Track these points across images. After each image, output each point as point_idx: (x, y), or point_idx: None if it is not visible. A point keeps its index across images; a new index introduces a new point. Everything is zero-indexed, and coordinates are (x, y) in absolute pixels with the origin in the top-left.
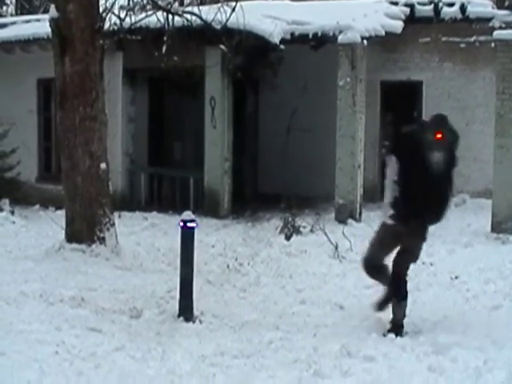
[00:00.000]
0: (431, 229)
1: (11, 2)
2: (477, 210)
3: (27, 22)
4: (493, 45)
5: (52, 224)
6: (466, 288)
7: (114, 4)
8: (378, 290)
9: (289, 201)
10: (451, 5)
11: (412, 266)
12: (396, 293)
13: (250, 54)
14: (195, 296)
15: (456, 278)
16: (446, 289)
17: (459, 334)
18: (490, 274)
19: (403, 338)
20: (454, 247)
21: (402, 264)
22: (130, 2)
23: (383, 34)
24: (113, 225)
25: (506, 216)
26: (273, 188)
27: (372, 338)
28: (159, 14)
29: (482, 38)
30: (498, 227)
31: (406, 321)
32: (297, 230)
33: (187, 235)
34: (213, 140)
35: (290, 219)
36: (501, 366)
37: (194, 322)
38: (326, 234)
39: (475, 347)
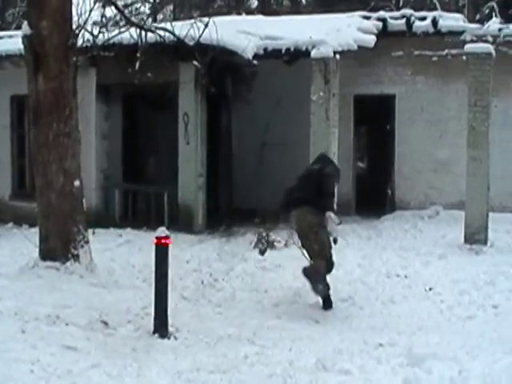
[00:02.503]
0: (405, 241)
1: None
2: (450, 221)
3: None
4: (464, 58)
5: (26, 241)
6: (441, 299)
7: (87, 20)
8: (353, 302)
9: (263, 215)
10: (423, 19)
11: (387, 279)
12: None
13: (224, 69)
14: (170, 312)
15: (430, 289)
16: (421, 301)
17: (434, 346)
18: (464, 285)
19: (378, 350)
20: (428, 259)
21: None
22: (103, 19)
23: (356, 48)
24: (87, 242)
25: (479, 227)
26: (247, 203)
27: (348, 351)
28: (132, 30)
29: (453, 52)
30: (471, 238)
31: (380, 333)
32: (271, 245)
33: (162, 251)
34: (186, 156)
35: (264, 234)
36: (475, 376)
37: (169, 338)
38: (300, 248)
39: (450, 358)
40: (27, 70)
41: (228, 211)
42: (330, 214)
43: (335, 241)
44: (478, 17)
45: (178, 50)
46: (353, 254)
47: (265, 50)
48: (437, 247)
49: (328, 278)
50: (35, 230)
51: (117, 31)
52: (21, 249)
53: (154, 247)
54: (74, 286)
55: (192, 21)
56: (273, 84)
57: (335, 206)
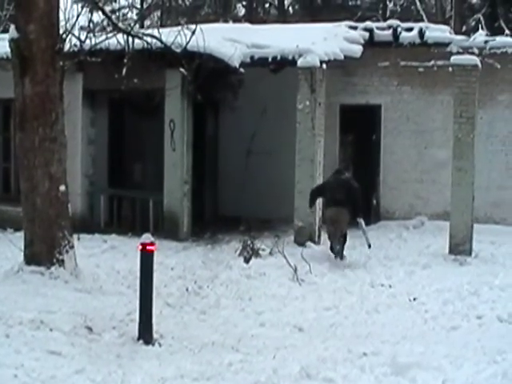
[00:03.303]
0: (390, 251)
1: None
2: (435, 231)
3: None
4: (450, 69)
5: (11, 246)
6: (425, 309)
7: (74, 25)
8: (337, 311)
9: (248, 223)
10: (410, 30)
11: (371, 289)
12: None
13: (210, 76)
14: (155, 319)
15: (415, 299)
16: (405, 310)
17: (418, 355)
18: (449, 295)
19: (362, 359)
20: (412, 269)
21: None
22: (91, 24)
23: (342, 57)
24: (72, 247)
25: (464, 237)
26: (233, 210)
27: (331, 360)
28: (119, 36)
29: (439, 63)
30: (455, 249)
31: (364, 342)
32: (256, 253)
33: (146, 258)
34: (172, 162)
35: (249, 242)
36: None
37: (153, 344)
38: (285, 256)
39: (434, 367)
40: (14, 74)
41: (213, 218)
42: (362, 224)
43: (370, 246)
44: (464, 29)
45: (165, 56)
46: (337, 263)
47: (251, 58)
48: (421, 257)
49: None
50: (20, 235)
51: (104, 37)
52: (5, 253)
53: (138, 253)
54: (58, 291)
55: (179, 28)
56: (259, 92)
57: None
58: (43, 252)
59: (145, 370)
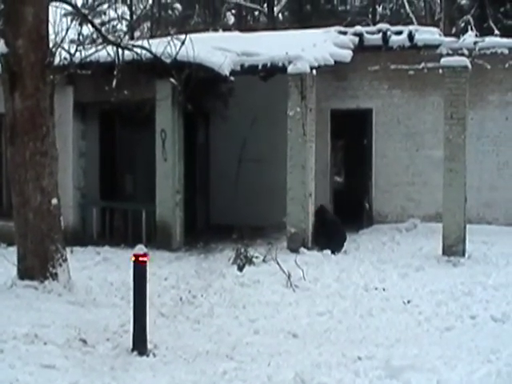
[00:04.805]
0: (383, 254)
1: None
2: (428, 233)
3: None
4: (440, 71)
5: (4, 261)
6: (419, 311)
7: (63, 39)
8: (331, 316)
9: (241, 231)
10: (399, 33)
11: (365, 293)
12: None
13: (201, 86)
14: (149, 329)
15: (408, 302)
16: (399, 313)
17: (412, 357)
18: (442, 297)
19: (356, 363)
20: (405, 271)
21: None
22: (80, 37)
23: (332, 63)
24: (65, 260)
25: (457, 238)
26: (225, 219)
27: (326, 365)
28: (109, 48)
29: (429, 65)
30: (448, 250)
31: (358, 346)
32: (249, 261)
33: (139, 269)
34: (164, 172)
35: (242, 250)
36: None
37: (147, 355)
38: (278, 263)
39: (428, 369)
40: (4, 89)
41: (206, 227)
42: None
43: None
44: (453, 30)
45: (155, 67)
46: (331, 268)
47: (241, 66)
48: (414, 259)
49: None
50: (13, 249)
51: (94, 49)
52: None
53: (131, 265)
54: (52, 304)
55: (169, 38)
56: (250, 100)
57: None
58: (36, 266)
59: (139, 381)
